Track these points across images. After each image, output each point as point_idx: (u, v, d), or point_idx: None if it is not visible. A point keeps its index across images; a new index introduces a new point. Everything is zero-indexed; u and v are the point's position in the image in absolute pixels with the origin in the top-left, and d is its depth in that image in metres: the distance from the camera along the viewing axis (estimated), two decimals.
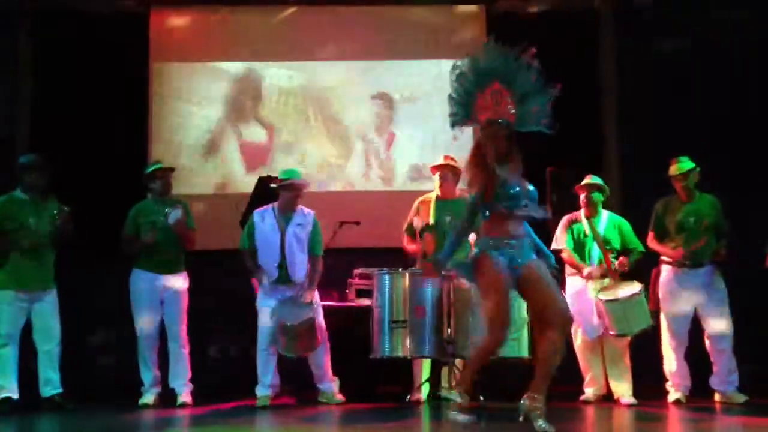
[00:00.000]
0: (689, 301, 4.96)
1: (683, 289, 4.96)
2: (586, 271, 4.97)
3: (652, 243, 5.08)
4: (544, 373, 3.52)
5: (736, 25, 6.27)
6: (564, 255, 5.09)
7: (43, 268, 4.88)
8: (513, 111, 3.60)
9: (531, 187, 3.65)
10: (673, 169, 5.00)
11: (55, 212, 4.86)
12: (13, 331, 4.79)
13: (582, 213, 5.10)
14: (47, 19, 6.70)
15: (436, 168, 5.18)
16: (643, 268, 5.12)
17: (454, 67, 3.69)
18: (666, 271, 5.02)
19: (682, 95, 6.25)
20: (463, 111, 3.68)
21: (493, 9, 6.92)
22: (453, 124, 3.74)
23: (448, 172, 5.13)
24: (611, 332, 4.81)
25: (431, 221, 5.06)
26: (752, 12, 6.15)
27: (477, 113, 3.65)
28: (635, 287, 4.80)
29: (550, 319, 3.48)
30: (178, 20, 6.90)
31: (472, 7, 6.96)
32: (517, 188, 3.57)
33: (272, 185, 4.97)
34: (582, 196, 5.09)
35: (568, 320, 3.58)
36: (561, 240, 5.13)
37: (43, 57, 6.69)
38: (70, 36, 6.64)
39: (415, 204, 5.25)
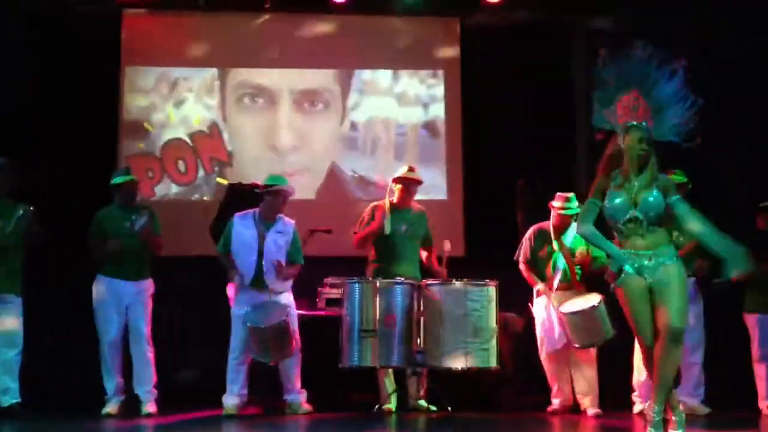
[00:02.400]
0: None
1: None
2: (538, 287, 5.04)
3: None
4: (659, 382, 3.51)
5: (711, 36, 6.34)
6: (521, 267, 5.14)
7: (8, 273, 4.79)
8: (651, 119, 3.54)
9: (651, 198, 3.47)
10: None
11: (20, 213, 4.77)
12: None
13: (550, 225, 5.13)
14: (16, 19, 6.59)
15: (400, 179, 5.18)
16: None
17: (596, 68, 3.60)
18: None
19: None
20: (603, 114, 3.60)
21: (469, 21, 6.98)
22: (594, 127, 3.65)
23: (413, 185, 5.17)
24: (574, 344, 4.84)
25: (387, 231, 5.05)
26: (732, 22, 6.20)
27: (617, 117, 3.58)
28: (595, 299, 4.81)
29: (660, 330, 3.50)
30: (150, 24, 6.84)
31: (447, 19, 7.01)
32: (617, 200, 3.51)
33: (256, 190, 4.93)
34: (555, 215, 5.10)
35: (673, 333, 3.48)
36: (522, 252, 5.16)
37: (11, 57, 6.58)
38: (40, 37, 6.54)
39: (368, 209, 5.21)
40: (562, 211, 5.00)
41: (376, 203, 5.27)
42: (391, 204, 5.13)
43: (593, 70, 3.62)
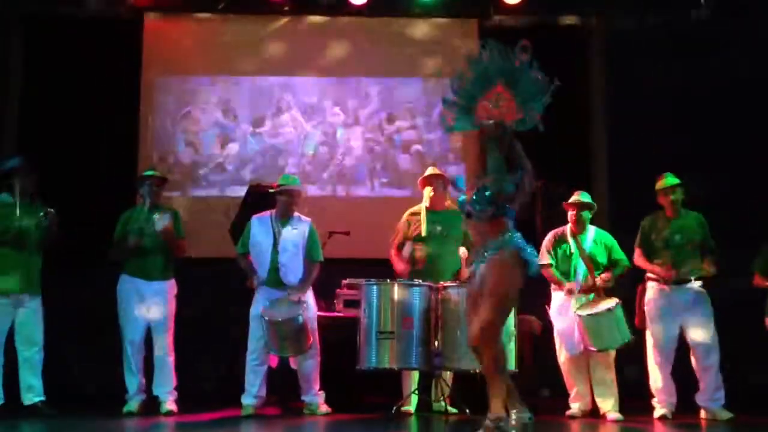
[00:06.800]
0: (675, 318, 4.97)
1: (669, 306, 4.97)
2: (566, 287, 4.99)
3: (639, 260, 5.08)
4: None
5: (726, 39, 6.30)
6: (545, 271, 5.11)
7: (29, 273, 4.85)
8: (514, 112, 3.59)
9: (486, 192, 3.50)
10: (660, 183, 5.04)
11: (41, 214, 4.84)
12: None
13: (569, 229, 5.12)
14: (39, 24, 6.69)
15: (425, 180, 5.21)
16: (628, 285, 5.14)
17: (456, 72, 3.66)
18: (652, 288, 5.03)
19: (671, 112, 6.30)
20: (465, 117, 3.65)
21: (486, 23, 6.96)
22: (449, 130, 3.74)
23: (438, 181, 5.17)
24: (589, 347, 4.82)
25: (423, 233, 5.08)
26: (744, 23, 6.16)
27: (478, 117, 3.63)
28: (611, 302, 4.79)
29: None
30: (171, 28, 6.89)
31: (465, 21, 7.00)
32: (462, 198, 3.61)
33: (270, 190, 5.01)
34: (571, 214, 5.09)
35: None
36: (545, 256, 5.14)
37: (34, 62, 6.67)
38: (62, 41, 6.62)
39: (404, 217, 5.25)
40: (577, 200, 5.02)
41: (410, 211, 5.26)
42: (427, 208, 5.14)
43: (450, 80, 3.68)
